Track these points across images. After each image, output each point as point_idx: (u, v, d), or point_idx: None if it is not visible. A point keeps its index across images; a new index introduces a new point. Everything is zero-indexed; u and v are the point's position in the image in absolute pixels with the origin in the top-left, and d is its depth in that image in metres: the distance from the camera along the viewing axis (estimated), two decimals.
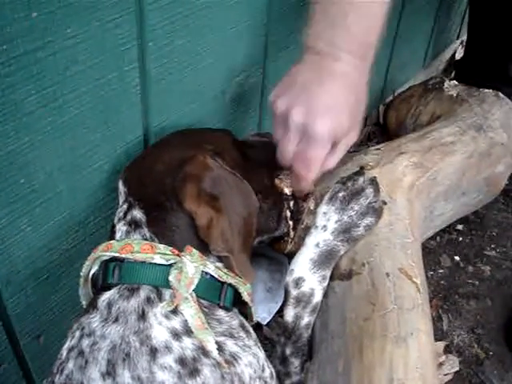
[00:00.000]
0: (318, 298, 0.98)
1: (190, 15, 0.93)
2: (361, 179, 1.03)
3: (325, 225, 1.00)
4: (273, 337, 1.04)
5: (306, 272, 0.98)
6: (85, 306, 0.84)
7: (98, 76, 0.83)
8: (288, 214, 1.02)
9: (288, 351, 0.98)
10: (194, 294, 0.76)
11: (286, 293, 0.97)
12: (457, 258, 1.58)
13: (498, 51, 1.71)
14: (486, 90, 1.52)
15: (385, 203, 1.04)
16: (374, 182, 1.03)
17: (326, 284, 0.99)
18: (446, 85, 1.62)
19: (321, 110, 0.90)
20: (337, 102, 0.92)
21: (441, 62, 2.25)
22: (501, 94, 1.51)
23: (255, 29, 1.10)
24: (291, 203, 1.03)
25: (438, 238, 1.61)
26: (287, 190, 1.02)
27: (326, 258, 0.99)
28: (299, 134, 0.93)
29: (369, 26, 0.96)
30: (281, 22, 1.15)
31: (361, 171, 1.05)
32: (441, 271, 1.54)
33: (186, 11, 0.92)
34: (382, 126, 1.87)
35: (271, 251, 1.12)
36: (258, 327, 0.87)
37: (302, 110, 0.91)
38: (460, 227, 1.65)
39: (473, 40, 1.83)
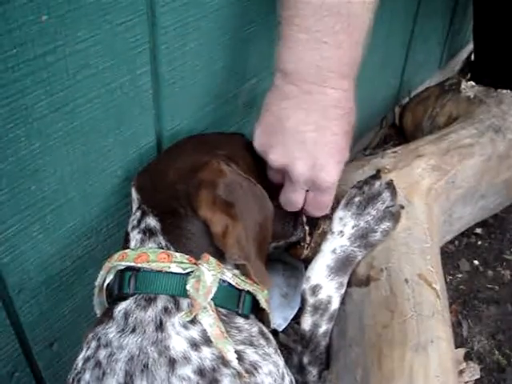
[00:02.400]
0: (335, 305, 0.96)
1: (202, 17, 0.91)
2: (377, 183, 1.01)
3: (341, 230, 0.98)
4: (289, 343, 1.03)
5: (322, 279, 0.96)
6: (99, 316, 0.82)
7: (110, 80, 0.81)
8: (304, 218, 1.01)
9: (305, 360, 0.96)
10: (212, 303, 0.75)
11: (303, 300, 0.96)
12: (476, 262, 1.56)
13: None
14: (504, 91, 1.50)
15: (402, 207, 1.02)
16: (390, 185, 1.01)
17: (343, 291, 0.97)
18: (462, 86, 1.60)
19: (325, 161, 0.86)
20: (337, 144, 0.87)
21: (457, 62, 2.23)
22: None
23: (269, 31, 1.08)
24: None
25: (456, 241, 1.58)
26: None
27: (343, 264, 0.97)
28: (306, 185, 0.90)
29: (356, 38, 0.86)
30: None
31: (377, 175, 1.03)
32: (460, 276, 1.52)
33: (199, 13, 0.90)
34: (399, 127, 1.85)
35: (287, 256, 1.11)
36: (273, 334, 0.85)
37: (306, 163, 0.86)
38: (479, 231, 1.62)
39: (481, 40, 1.80)
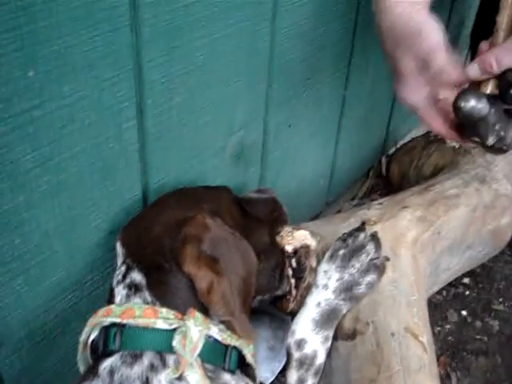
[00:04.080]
0: (321, 359, 0.95)
1: (189, 72, 0.93)
2: (361, 235, 1.01)
3: (326, 283, 0.98)
4: None
5: (307, 333, 0.95)
6: (82, 372, 0.81)
7: (96, 134, 0.82)
8: (290, 272, 1.00)
9: None
10: (198, 359, 0.74)
11: (288, 355, 0.95)
12: (464, 312, 1.55)
13: None
14: None
15: (387, 259, 1.02)
16: (374, 237, 1.01)
17: (329, 344, 0.96)
18: None
19: None
20: None
21: None
22: None
23: (255, 84, 1.09)
24: (293, 261, 1.01)
25: (444, 292, 1.58)
26: (288, 248, 1.00)
27: (328, 317, 0.96)
28: None
29: None
30: (282, 77, 1.14)
31: (361, 227, 1.04)
32: (448, 327, 1.51)
33: (185, 68, 0.92)
34: (385, 177, 1.86)
35: (273, 309, 1.10)
36: None
37: None
38: (466, 281, 1.62)
39: None
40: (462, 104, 0.91)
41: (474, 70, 0.93)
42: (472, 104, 0.91)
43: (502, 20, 0.96)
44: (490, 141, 0.94)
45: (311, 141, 1.38)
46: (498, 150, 0.99)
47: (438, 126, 1.03)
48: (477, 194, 1.33)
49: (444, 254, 1.23)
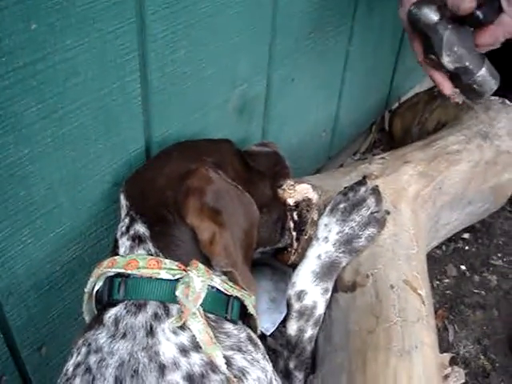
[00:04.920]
0: (320, 310, 0.97)
1: (192, 25, 0.92)
2: (362, 189, 1.02)
3: (326, 236, 0.99)
4: (277, 347, 1.03)
5: (308, 285, 0.97)
6: (88, 322, 0.83)
7: (99, 87, 0.82)
8: (291, 224, 1.02)
9: (291, 365, 0.97)
10: (201, 309, 0.75)
11: (289, 306, 0.97)
12: (463, 267, 1.57)
13: (502, 58, 1.70)
14: (492, 98, 1.51)
15: (388, 213, 1.03)
16: (375, 191, 1.02)
17: (328, 296, 0.98)
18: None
19: None
20: None
21: None
22: (507, 101, 1.50)
23: (259, 38, 1.09)
24: (294, 214, 1.02)
25: (443, 247, 1.59)
26: (290, 201, 1.01)
27: (327, 269, 0.98)
28: None
29: None
30: (285, 31, 1.14)
31: (363, 181, 1.04)
32: (447, 281, 1.53)
33: (188, 21, 0.91)
34: (388, 132, 1.86)
35: (275, 261, 1.11)
36: (262, 337, 0.86)
37: None
38: (466, 236, 1.64)
39: None
40: (413, 8, 0.96)
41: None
42: (422, 9, 0.95)
43: None
44: (447, 61, 0.98)
45: (314, 95, 1.38)
46: (468, 86, 1.02)
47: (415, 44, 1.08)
48: (479, 150, 1.33)
49: (444, 208, 1.24)
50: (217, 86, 1.04)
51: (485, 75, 1.03)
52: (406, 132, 1.67)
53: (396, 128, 1.73)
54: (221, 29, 0.98)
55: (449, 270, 1.56)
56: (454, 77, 1.05)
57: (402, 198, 1.10)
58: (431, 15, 0.97)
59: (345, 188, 1.04)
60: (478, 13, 0.95)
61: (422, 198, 1.14)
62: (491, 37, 0.98)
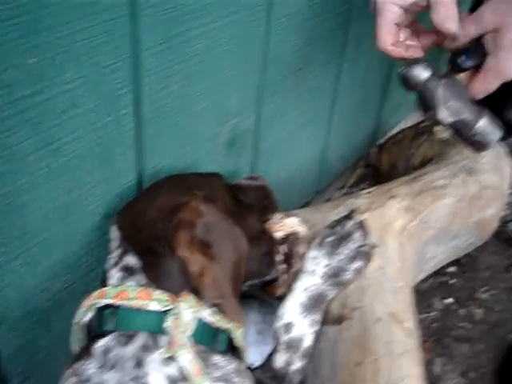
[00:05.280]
0: (308, 342, 0.98)
1: (185, 61, 0.94)
2: (349, 223, 1.04)
3: (314, 269, 1.00)
4: (265, 380, 1.04)
5: (295, 317, 0.98)
6: (77, 353, 0.83)
7: (95, 119, 0.84)
8: (279, 257, 1.03)
9: None
10: (190, 340, 0.76)
11: (276, 338, 0.97)
12: (449, 300, 1.59)
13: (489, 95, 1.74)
14: None
15: (375, 247, 1.05)
16: (362, 225, 1.04)
17: (316, 328, 0.99)
18: (437, 128, 1.64)
19: None
20: None
21: None
22: None
23: (250, 73, 1.11)
24: (282, 247, 1.03)
25: (430, 280, 1.61)
26: (279, 234, 1.02)
27: (315, 302, 0.99)
28: None
29: None
30: (275, 67, 1.16)
31: (350, 215, 1.06)
32: (433, 314, 1.54)
33: (182, 57, 0.93)
34: (375, 167, 1.88)
35: (263, 294, 1.12)
36: (250, 369, 0.87)
37: None
38: (452, 269, 1.65)
39: None
40: (403, 70, 0.96)
41: (447, 42, 0.97)
42: (412, 70, 0.95)
43: None
44: (444, 117, 0.97)
45: (303, 130, 1.41)
46: (469, 139, 1.01)
47: None
48: (463, 185, 1.36)
49: (430, 242, 1.26)
50: (208, 120, 1.06)
51: (485, 126, 1.00)
52: (393, 167, 1.70)
53: (383, 163, 1.76)
54: (213, 64, 1.01)
55: (435, 303, 1.57)
56: (454, 131, 1.03)
57: (389, 232, 1.12)
58: (422, 74, 0.96)
59: (332, 222, 1.05)
60: (461, 59, 0.96)
61: (408, 232, 1.16)
62: (482, 83, 0.98)
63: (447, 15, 0.92)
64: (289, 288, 1.03)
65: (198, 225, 0.81)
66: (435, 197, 1.27)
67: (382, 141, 1.91)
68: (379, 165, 1.79)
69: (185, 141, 1.04)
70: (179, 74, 0.95)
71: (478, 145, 1.02)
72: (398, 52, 0.99)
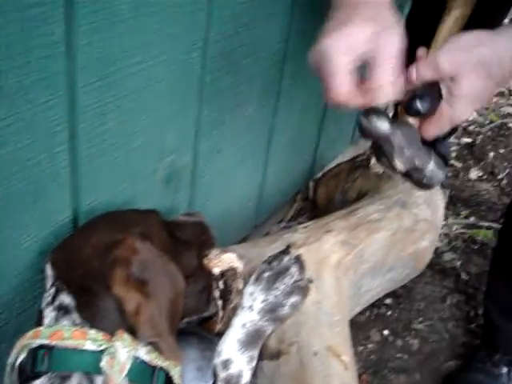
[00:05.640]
0: (246, 378, 0.98)
1: (122, 98, 0.95)
2: (286, 258, 1.05)
3: (251, 305, 1.01)
4: None
5: (233, 353, 0.98)
6: None
7: (28, 157, 0.83)
8: (217, 294, 1.03)
9: None
10: (126, 380, 0.75)
11: (215, 375, 0.97)
12: (386, 332, 1.61)
13: None
14: None
15: (311, 281, 1.06)
16: (299, 260, 1.05)
17: (254, 364, 0.99)
18: (372, 162, 1.68)
19: None
20: None
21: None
22: None
23: (186, 110, 1.12)
24: (220, 283, 1.04)
25: (367, 312, 1.63)
26: (216, 270, 1.03)
27: (253, 338, 0.99)
28: None
29: None
30: (212, 104, 1.18)
31: (286, 250, 1.07)
32: (370, 346, 1.56)
33: (118, 94, 0.94)
34: (312, 201, 1.91)
35: (201, 330, 1.12)
36: None
37: None
38: (388, 301, 1.68)
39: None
40: (363, 120, 0.96)
41: (398, 83, 0.98)
42: (372, 121, 0.95)
43: (442, 28, 1.01)
44: (399, 165, 0.98)
45: (240, 165, 1.42)
46: (419, 182, 1.02)
47: None
48: (398, 219, 1.39)
49: (366, 276, 1.28)
50: (145, 156, 1.07)
51: (433, 169, 1.02)
52: (330, 201, 1.73)
53: (320, 197, 1.79)
54: (150, 102, 1.01)
55: (372, 335, 1.59)
56: (405, 176, 1.04)
57: (325, 266, 1.14)
58: (380, 125, 0.96)
59: (269, 257, 1.06)
60: (418, 105, 0.97)
61: (344, 265, 1.18)
62: (436, 128, 0.99)
63: (383, 84, 0.92)
64: (227, 324, 1.03)
65: (134, 262, 0.81)
66: (370, 230, 1.29)
67: (319, 175, 1.94)
68: (317, 199, 1.82)
69: (122, 177, 1.04)
70: (115, 111, 0.95)
71: (426, 186, 1.04)
72: (354, 101, 0.97)
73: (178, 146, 1.14)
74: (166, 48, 0.99)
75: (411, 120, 1.00)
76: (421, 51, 0.99)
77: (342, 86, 0.91)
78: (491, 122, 2.80)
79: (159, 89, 1.02)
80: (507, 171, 2.46)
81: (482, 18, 1.25)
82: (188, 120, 1.15)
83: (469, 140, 2.62)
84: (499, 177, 2.44)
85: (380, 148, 0.99)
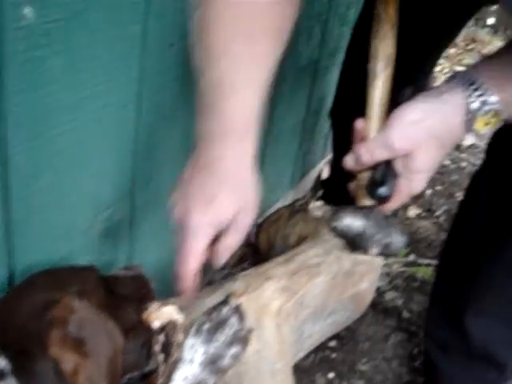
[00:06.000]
0: None
1: (55, 155, 0.95)
2: (225, 308, 1.05)
3: (192, 358, 1.01)
4: None
5: None
6: None
7: None
8: (158, 348, 1.02)
9: None
10: None
11: None
12: (331, 375, 1.62)
13: None
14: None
15: (251, 331, 1.06)
16: (238, 310, 1.06)
17: None
18: (311, 206, 1.70)
19: None
20: None
21: (308, 181, 2.37)
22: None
23: (122, 164, 1.13)
24: (160, 337, 1.03)
25: (311, 356, 1.64)
26: (156, 324, 1.02)
27: None
28: None
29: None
30: (148, 157, 1.19)
31: (226, 300, 1.08)
32: None
33: (51, 152, 0.94)
34: (255, 247, 1.92)
35: None
36: None
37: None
38: (332, 344, 1.70)
39: (337, 160, 1.94)
40: (336, 224, 0.96)
41: (350, 161, 0.99)
42: (346, 223, 0.96)
43: (373, 94, 1.02)
44: (374, 252, 0.99)
45: None
46: (388, 254, 1.04)
47: None
48: (337, 262, 1.41)
49: (307, 321, 1.29)
50: (81, 212, 1.07)
51: (397, 240, 1.04)
52: (271, 246, 1.73)
53: (262, 243, 1.80)
54: (84, 158, 1.02)
55: (317, 379, 1.60)
56: (377, 255, 1.06)
57: (265, 314, 1.14)
58: (355, 223, 0.98)
59: (209, 308, 1.06)
60: (382, 191, 0.99)
61: (284, 312, 1.18)
62: (396, 203, 1.02)
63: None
64: (168, 378, 1.03)
65: (71, 322, 0.80)
66: (310, 275, 1.31)
67: (260, 220, 1.95)
68: (258, 244, 1.83)
69: (57, 235, 1.03)
70: (49, 170, 0.95)
71: (393, 254, 1.05)
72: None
73: (115, 199, 1.15)
74: (99, 104, 1.00)
75: (369, 201, 1.02)
76: (359, 124, 1.01)
77: (193, 268, 1.01)
78: None
79: (93, 145, 1.03)
80: (444, 208, 2.53)
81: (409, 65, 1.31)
82: (124, 173, 1.15)
83: None
84: (437, 213, 2.50)
85: (353, 242, 0.99)
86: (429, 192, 2.64)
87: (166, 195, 1.31)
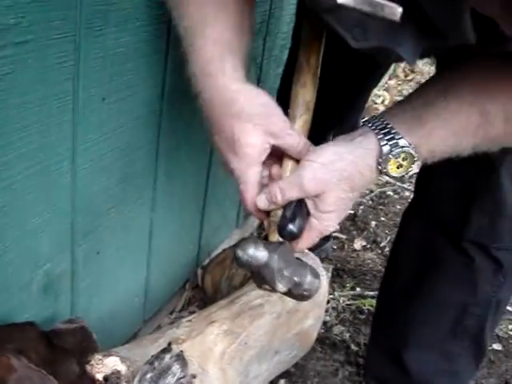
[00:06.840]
0: None
1: None
2: (167, 356, 1.06)
3: None
4: None
5: None
6: None
7: None
8: None
9: None
10: None
11: None
12: None
13: None
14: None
15: (194, 377, 1.08)
16: (180, 357, 1.07)
17: None
18: None
19: None
20: None
21: (254, 219, 2.39)
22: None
23: (59, 218, 1.14)
24: None
25: None
26: (99, 376, 1.03)
27: None
28: None
29: None
30: (85, 208, 1.20)
31: (168, 348, 1.09)
32: None
33: None
34: (202, 289, 1.93)
35: None
36: None
37: None
38: (282, 382, 1.71)
39: None
40: (240, 253, 0.97)
41: (262, 201, 1.01)
42: (248, 253, 0.97)
43: (295, 114, 1.06)
44: (281, 288, 0.99)
45: (121, 264, 1.43)
46: (299, 296, 1.05)
47: None
48: (280, 301, 1.43)
49: (252, 362, 1.31)
50: (19, 268, 1.07)
51: (310, 281, 1.03)
52: (216, 288, 1.75)
53: (207, 285, 1.82)
54: (19, 215, 1.02)
55: None
56: (286, 294, 1.04)
57: (209, 358, 1.16)
58: (259, 254, 0.98)
59: (151, 357, 1.07)
60: (292, 228, 0.99)
61: (228, 355, 1.20)
62: (307, 243, 1.03)
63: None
64: None
65: (10, 381, 0.81)
66: (253, 317, 1.33)
67: (206, 261, 1.97)
68: (204, 286, 1.85)
69: None
70: None
71: (306, 297, 1.05)
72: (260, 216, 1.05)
73: (54, 253, 1.15)
74: (32, 162, 1.01)
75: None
76: (274, 169, 1.04)
77: (253, 202, 1.01)
78: (371, 191, 2.94)
79: (29, 200, 1.03)
80: (389, 238, 2.58)
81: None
82: (62, 227, 1.16)
83: (351, 211, 2.72)
84: (382, 244, 2.55)
85: (259, 275, 1.00)
86: (373, 223, 2.69)
87: (106, 245, 1.33)
